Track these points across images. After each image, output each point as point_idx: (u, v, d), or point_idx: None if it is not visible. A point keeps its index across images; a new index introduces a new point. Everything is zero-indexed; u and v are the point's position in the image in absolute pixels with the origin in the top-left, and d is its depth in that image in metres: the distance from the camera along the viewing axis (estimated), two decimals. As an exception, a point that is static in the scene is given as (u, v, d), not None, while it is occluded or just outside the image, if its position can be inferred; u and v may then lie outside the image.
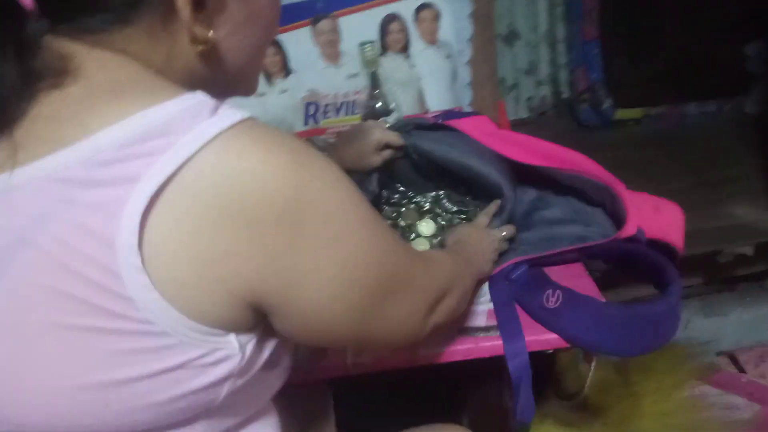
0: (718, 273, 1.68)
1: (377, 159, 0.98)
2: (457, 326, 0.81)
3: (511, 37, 2.36)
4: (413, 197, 1.03)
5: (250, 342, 0.48)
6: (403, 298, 0.54)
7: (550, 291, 0.80)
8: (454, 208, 1.01)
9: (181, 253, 0.41)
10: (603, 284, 0.88)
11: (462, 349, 0.79)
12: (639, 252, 0.87)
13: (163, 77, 0.47)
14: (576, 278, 0.88)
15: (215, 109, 0.44)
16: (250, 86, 0.60)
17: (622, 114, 2.34)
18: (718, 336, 1.61)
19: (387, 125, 1.00)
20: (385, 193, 1.04)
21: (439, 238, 0.96)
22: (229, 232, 0.42)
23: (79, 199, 0.40)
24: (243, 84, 0.58)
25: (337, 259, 0.46)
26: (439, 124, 1.01)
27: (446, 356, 0.79)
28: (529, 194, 1.02)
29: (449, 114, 1.15)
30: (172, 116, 0.42)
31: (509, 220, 0.94)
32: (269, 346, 0.51)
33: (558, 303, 0.79)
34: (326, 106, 1.31)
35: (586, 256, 0.93)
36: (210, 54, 0.50)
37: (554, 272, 0.89)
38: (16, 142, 0.42)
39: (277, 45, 1.26)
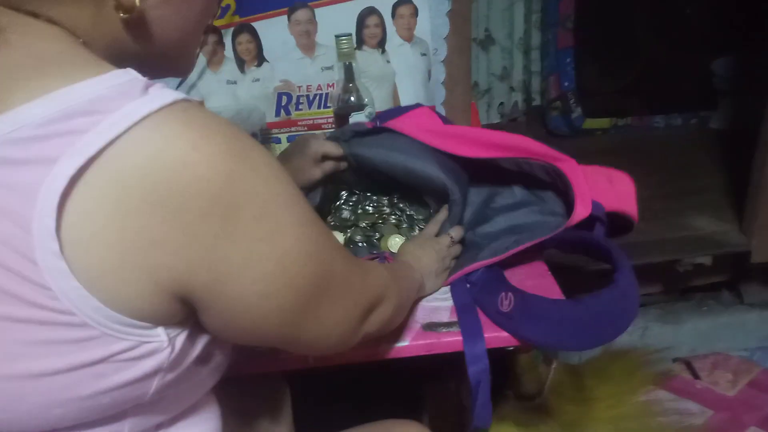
0: (676, 282, 1.73)
1: (317, 172, 0.94)
2: (419, 321, 0.81)
3: (486, 42, 2.38)
4: (371, 198, 1.02)
5: (179, 335, 0.46)
6: (336, 302, 0.52)
7: (503, 294, 0.80)
8: (412, 213, 1.00)
9: (102, 239, 0.39)
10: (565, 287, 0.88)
11: (424, 344, 0.78)
12: (588, 240, 0.86)
13: (91, 50, 0.45)
14: (537, 278, 0.88)
15: (146, 89, 0.41)
16: (184, 66, 0.57)
17: (590, 123, 2.39)
18: (674, 343, 1.64)
19: (325, 136, 0.98)
20: (343, 194, 1.03)
21: None
22: (155, 219, 0.39)
23: None
24: (175, 62, 0.55)
25: (271, 256, 0.44)
26: (379, 128, 0.97)
27: (408, 351, 0.78)
28: (482, 188, 1.00)
29: (389, 113, 1.13)
30: (98, 94, 0.39)
31: (460, 221, 0.93)
32: (202, 341, 0.49)
33: (511, 306, 0.78)
34: (299, 97, 1.30)
35: (546, 247, 0.93)
36: (137, 24, 0.48)
37: (516, 272, 0.89)
38: None
39: (252, 33, 1.25)
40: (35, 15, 0.43)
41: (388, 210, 1.01)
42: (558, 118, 2.37)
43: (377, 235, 0.97)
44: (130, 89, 0.40)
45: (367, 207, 1.01)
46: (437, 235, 0.90)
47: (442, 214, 0.91)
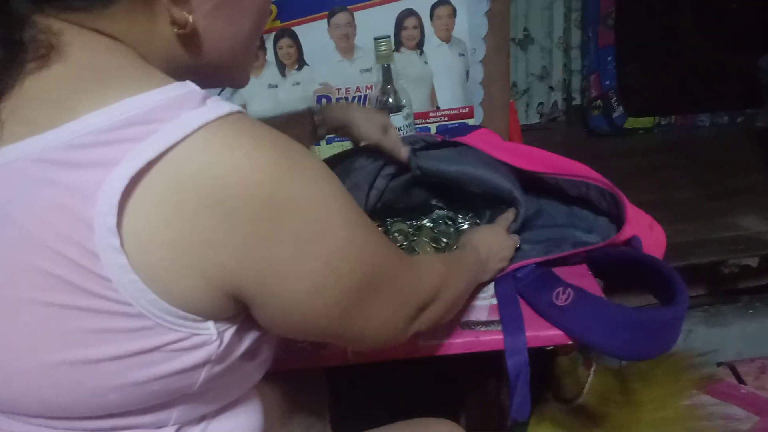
0: (721, 284, 1.68)
1: (378, 134, 0.94)
2: (459, 319, 0.81)
3: (525, 42, 2.36)
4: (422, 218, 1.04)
5: (228, 330, 0.48)
6: (386, 300, 0.54)
7: (560, 289, 0.81)
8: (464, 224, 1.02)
9: (158, 238, 0.41)
10: (606, 290, 0.88)
11: (462, 342, 0.79)
12: (646, 260, 0.87)
13: (149, 62, 0.47)
14: (580, 278, 0.88)
15: (203, 101, 0.43)
16: (238, 77, 0.59)
17: (633, 122, 2.34)
18: (719, 346, 1.60)
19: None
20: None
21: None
22: (209, 221, 0.42)
23: (58, 180, 0.41)
24: (229, 74, 0.57)
25: (320, 256, 0.46)
26: (445, 141, 1.01)
27: (446, 348, 0.79)
28: (530, 202, 1.02)
29: (454, 132, 1.17)
30: (157, 104, 0.42)
31: (523, 225, 0.95)
32: (249, 337, 0.51)
33: (568, 301, 0.79)
34: (338, 99, 1.32)
35: (590, 261, 0.94)
36: (190, 39, 0.50)
37: (559, 272, 0.89)
38: (2, 121, 0.43)
39: (293, 37, 1.27)
40: (97, 31, 0.46)
41: (425, 220, 1.03)
42: (599, 117, 2.34)
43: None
44: (188, 100, 0.43)
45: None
46: None
47: (511, 213, 0.93)
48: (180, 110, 0.42)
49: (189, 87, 0.44)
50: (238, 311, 0.48)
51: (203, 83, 0.46)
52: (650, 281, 0.86)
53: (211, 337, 0.46)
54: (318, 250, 0.46)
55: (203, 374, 0.47)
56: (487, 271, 0.85)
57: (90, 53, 0.45)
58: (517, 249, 0.93)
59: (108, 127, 0.41)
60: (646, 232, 0.93)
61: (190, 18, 0.48)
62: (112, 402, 0.45)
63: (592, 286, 0.87)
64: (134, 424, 0.48)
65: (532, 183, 0.99)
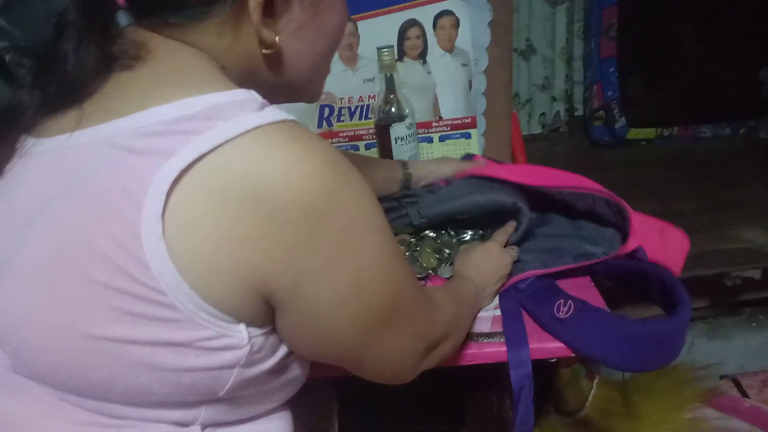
0: (724, 296, 1.68)
1: (450, 169, 1.02)
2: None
3: (527, 52, 2.37)
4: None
5: (259, 336, 0.49)
6: (404, 330, 0.54)
7: (561, 301, 0.80)
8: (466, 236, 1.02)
9: (200, 228, 0.43)
10: (608, 303, 0.88)
11: (465, 354, 0.78)
12: (648, 270, 0.86)
13: (227, 74, 0.50)
14: (583, 290, 0.88)
15: (262, 107, 0.46)
16: (314, 94, 0.62)
17: (635, 133, 2.35)
18: (722, 359, 1.59)
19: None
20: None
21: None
22: (250, 217, 0.43)
23: (121, 162, 0.43)
24: (306, 91, 0.60)
25: (350, 268, 0.47)
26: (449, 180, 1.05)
27: (449, 360, 0.78)
28: (532, 211, 1.02)
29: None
30: (219, 104, 0.44)
31: (525, 236, 0.95)
32: (281, 351, 0.52)
33: (569, 313, 0.79)
34: (341, 109, 1.32)
35: (593, 273, 0.93)
36: (274, 58, 0.53)
37: (561, 284, 0.88)
38: (84, 112, 0.47)
39: (295, 46, 1.27)
40: (185, 42, 0.50)
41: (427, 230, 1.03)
42: (601, 128, 2.34)
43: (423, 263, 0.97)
44: (248, 104, 0.46)
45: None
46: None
47: (510, 226, 0.94)
48: (239, 111, 0.44)
49: (252, 94, 0.47)
50: (269, 318, 0.49)
51: (276, 99, 0.50)
52: (653, 291, 0.86)
53: (242, 340, 0.47)
54: (349, 263, 0.47)
55: (232, 378, 0.48)
56: (486, 298, 0.84)
57: (172, 57, 0.49)
58: (517, 260, 0.92)
59: (172, 119, 0.44)
60: (656, 239, 0.92)
61: (277, 39, 0.52)
62: (143, 385, 0.46)
63: (595, 298, 0.86)
64: (162, 418, 0.49)
65: (538, 199, 0.99)
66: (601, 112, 2.32)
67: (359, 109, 1.32)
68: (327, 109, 1.32)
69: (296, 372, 0.56)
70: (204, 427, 0.51)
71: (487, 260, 0.86)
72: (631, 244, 0.88)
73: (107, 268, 0.43)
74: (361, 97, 1.31)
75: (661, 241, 0.93)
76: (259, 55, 0.52)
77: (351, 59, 1.28)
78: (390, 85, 1.09)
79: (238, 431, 0.54)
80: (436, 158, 1.08)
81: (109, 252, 0.43)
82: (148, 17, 0.50)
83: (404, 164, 1.03)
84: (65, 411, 0.48)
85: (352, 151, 1.29)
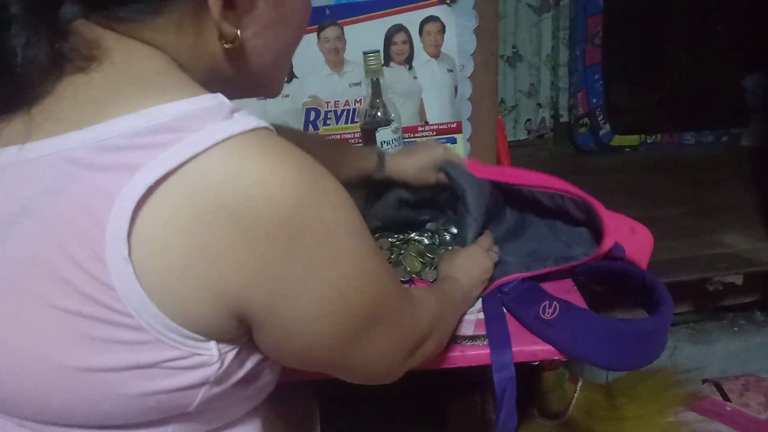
0: (706, 301, 1.69)
1: (432, 176, 1.00)
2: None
3: (513, 59, 2.39)
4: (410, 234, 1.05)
5: (230, 352, 0.47)
6: (387, 333, 0.53)
7: (547, 302, 0.81)
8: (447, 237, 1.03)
9: (170, 247, 0.41)
10: (591, 306, 0.89)
11: (448, 357, 0.78)
12: (628, 271, 0.87)
13: (188, 72, 0.48)
14: (566, 293, 0.88)
15: (231, 113, 0.44)
16: (275, 88, 0.60)
17: (619, 140, 2.37)
18: (704, 363, 1.61)
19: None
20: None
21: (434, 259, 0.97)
22: (225, 233, 0.41)
23: (81, 179, 0.41)
24: (266, 86, 0.58)
25: (330, 279, 0.46)
26: None
27: (432, 363, 0.79)
28: (515, 211, 1.03)
29: None
30: (186, 113, 0.42)
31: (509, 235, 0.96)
32: (251, 361, 0.50)
33: (555, 314, 0.79)
34: (327, 113, 1.32)
35: (575, 275, 0.94)
36: (236, 53, 0.51)
37: (545, 287, 0.89)
38: (33, 118, 0.43)
39: (282, 50, 1.27)
40: (141, 40, 0.47)
41: (412, 233, 1.03)
42: (586, 134, 2.36)
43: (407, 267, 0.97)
44: (216, 112, 0.43)
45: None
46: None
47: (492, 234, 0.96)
48: (207, 121, 0.42)
49: (219, 99, 0.45)
50: (241, 333, 0.48)
51: (237, 94, 0.47)
52: (635, 291, 0.87)
53: (212, 358, 0.45)
54: (329, 273, 0.46)
55: (200, 395, 0.47)
56: (471, 299, 0.85)
57: (129, 60, 0.46)
58: (500, 262, 0.93)
59: (135, 132, 0.41)
60: (628, 237, 0.92)
61: (239, 33, 0.49)
62: (105, 412, 0.45)
63: (578, 301, 0.87)
64: None
65: (513, 198, 1.00)
66: (586, 118, 2.34)
67: (345, 113, 1.32)
68: (313, 113, 1.32)
69: (267, 378, 0.55)
70: None
71: (472, 263, 0.87)
72: (608, 243, 0.88)
73: (69, 293, 0.41)
74: (347, 101, 1.31)
75: (633, 238, 0.94)
76: (221, 51, 0.50)
77: (337, 64, 1.29)
78: (376, 89, 1.09)
79: None
80: (419, 146, 1.04)
81: (71, 276, 0.41)
82: (99, 10, 0.46)
83: (381, 154, 1.00)
84: None
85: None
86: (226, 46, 0.49)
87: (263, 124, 0.45)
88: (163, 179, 0.40)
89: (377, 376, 0.57)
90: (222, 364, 0.46)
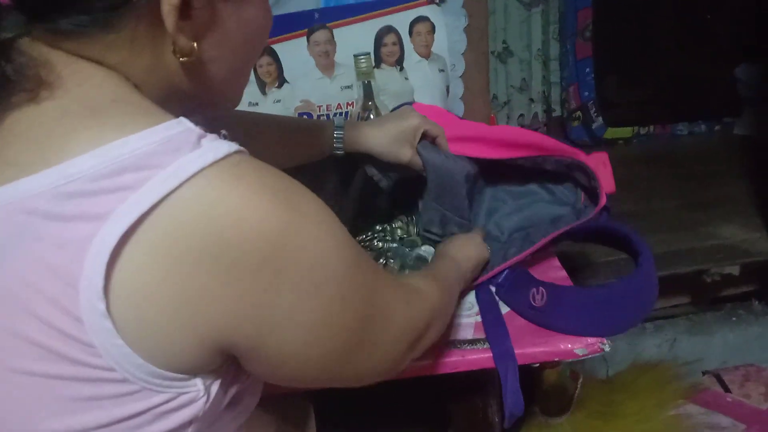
0: (704, 293, 1.70)
1: (407, 152, 0.88)
2: (445, 339, 0.81)
3: (504, 55, 2.38)
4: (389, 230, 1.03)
5: (214, 383, 0.46)
6: (382, 340, 0.53)
7: (534, 289, 0.81)
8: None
9: (152, 296, 0.39)
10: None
11: (449, 362, 0.78)
12: (605, 228, 0.88)
13: (144, 93, 0.45)
14: (552, 271, 0.90)
15: (198, 141, 0.41)
16: (233, 101, 0.58)
17: (612, 133, 2.37)
18: (703, 355, 1.61)
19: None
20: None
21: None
22: (206, 274, 0.39)
23: (44, 234, 0.38)
24: (225, 98, 0.56)
25: (317, 306, 0.44)
26: None
27: (432, 368, 0.78)
28: (489, 190, 1.02)
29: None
30: (151, 148, 0.39)
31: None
32: (234, 387, 0.49)
33: (544, 300, 0.79)
34: (319, 116, 1.32)
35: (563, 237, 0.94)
36: (193, 66, 0.48)
37: (533, 270, 0.90)
38: None
39: (272, 55, 1.26)
40: (93, 60, 0.44)
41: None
42: (579, 128, 2.36)
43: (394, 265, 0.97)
44: (183, 143, 0.40)
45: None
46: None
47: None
48: (176, 154, 0.39)
49: (184, 125, 0.42)
50: (224, 363, 0.46)
51: (197, 108, 0.45)
52: (617, 245, 0.88)
53: (198, 393, 0.44)
54: (316, 300, 0.44)
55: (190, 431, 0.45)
56: (467, 282, 0.83)
57: (82, 87, 0.43)
58: (493, 239, 0.94)
59: (98, 174, 0.38)
60: (604, 173, 0.92)
61: (195, 45, 0.46)
62: None
63: (564, 278, 0.89)
64: None
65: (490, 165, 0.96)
66: (579, 112, 2.34)
67: (337, 116, 1.32)
68: (305, 117, 1.31)
69: (248, 400, 0.54)
70: None
71: (470, 245, 0.86)
72: (603, 201, 0.89)
73: (46, 358, 0.39)
74: (339, 104, 1.31)
75: (606, 171, 0.94)
76: (177, 66, 0.47)
77: (328, 67, 1.28)
78: (368, 92, 1.09)
79: None
80: (391, 114, 0.94)
81: (44, 340, 0.38)
82: (41, 21, 0.42)
83: (338, 125, 0.89)
84: None
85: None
86: (182, 59, 0.46)
87: (234, 147, 0.42)
88: (136, 225, 0.38)
89: (379, 375, 0.56)
90: (208, 397, 0.45)
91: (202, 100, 0.51)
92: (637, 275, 0.79)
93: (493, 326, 0.80)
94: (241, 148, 0.43)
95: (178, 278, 0.39)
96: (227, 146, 0.41)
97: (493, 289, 0.88)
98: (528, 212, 0.97)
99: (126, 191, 0.38)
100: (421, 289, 0.63)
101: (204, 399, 0.44)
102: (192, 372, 0.43)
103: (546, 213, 0.96)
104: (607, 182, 0.92)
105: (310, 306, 0.44)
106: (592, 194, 0.93)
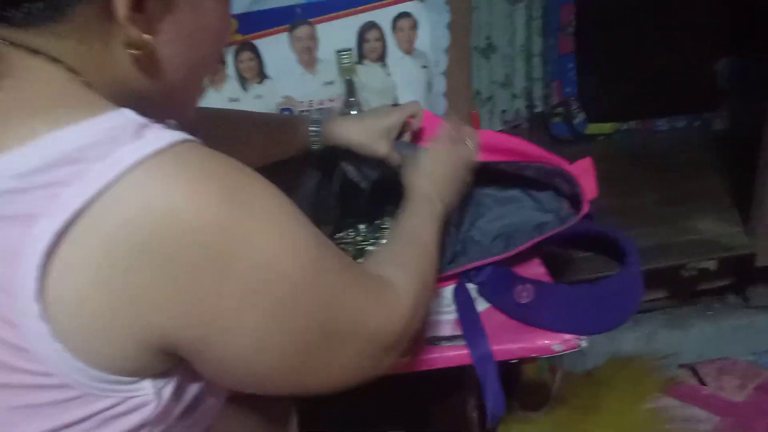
0: (682, 287, 1.72)
1: (383, 146, 0.86)
2: (423, 336, 0.81)
3: (487, 50, 2.38)
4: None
5: (166, 387, 0.44)
6: (347, 346, 0.49)
7: (520, 286, 0.82)
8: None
9: (88, 298, 0.37)
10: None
11: (427, 359, 0.79)
12: (589, 230, 0.89)
13: (94, 90, 0.43)
14: (535, 273, 0.91)
15: (140, 131, 0.39)
16: (186, 110, 0.54)
17: (593, 128, 2.39)
18: (680, 348, 1.64)
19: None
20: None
21: None
22: (143, 272, 0.37)
23: None
24: (179, 105, 0.52)
25: (266, 307, 0.41)
26: None
27: (411, 366, 0.79)
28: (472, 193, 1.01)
29: None
30: (87, 139, 0.37)
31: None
32: (192, 389, 0.47)
33: (530, 296, 0.80)
34: (301, 112, 1.31)
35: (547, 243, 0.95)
36: (146, 62, 0.45)
37: (515, 269, 0.90)
38: None
39: (254, 50, 1.26)
40: (36, 52, 0.41)
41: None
42: (561, 124, 2.37)
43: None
44: (122, 133, 0.38)
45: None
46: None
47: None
48: (113, 145, 0.37)
49: (125, 116, 0.40)
50: (175, 364, 0.44)
51: (149, 115, 0.42)
52: (600, 248, 0.89)
53: (148, 397, 0.42)
54: (264, 300, 0.41)
55: None
56: (452, 206, 0.78)
57: (26, 82, 0.40)
58: (475, 243, 0.93)
59: (29, 170, 0.36)
60: (587, 180, 0.93)
61: (150, 38, 0.44)
62: None
63: (544, 277, 0.90)
64: None
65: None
66: (561, 108, 2.35)
67: (320, 112, 1.31)
68: (285, 113, 1.31)
69: (211, 402, 0.51)
70: None
71: (440, 163, 0.78)
72: (586, 209, 0.89)
73: None
74: (321, 100, 1.30)
75: (588, 178, 0.95)
76: (129, 61, 0.44)
77: (310, 63, 1.28)
78: (350, 88, 1.09)
79: None
80: (374, 109, 0.94)
81: None
82: None
83: (315, 120, 0.89)
84: None
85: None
86: (133, 52, 0.44)
87: (180, 137, 0.40)
88: (70, 223, 0.36)
89: (355, 381, 0.52)
90: (159, 400, 0.43)
91: (155, 103, 0.48)
92: (627, 273, 0.79)
93: (470, 328, 0.81)
94: (190, 137, 0.41)
95: (115, 282, 0.37)
96: (171, 135, 0.39)
97: (473, 287, 0.89)
98: (512, 218, 0.97)
99: (58, 187, 0.36)
100: (397, 282, 0.58)
101: (154, 404, 0.42)
102: (139, 375, 0.41)
103: (530, 219, 0.96)
104: (590, 189, 0.93)
105: (257, 307, 0.41)
106: (574, 201, 0.93)
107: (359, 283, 0.51)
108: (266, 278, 0.41)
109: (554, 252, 0.96)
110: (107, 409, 0.41)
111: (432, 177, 0.76)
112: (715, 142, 2.25)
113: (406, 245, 0.67)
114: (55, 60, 0.42)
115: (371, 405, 0.91)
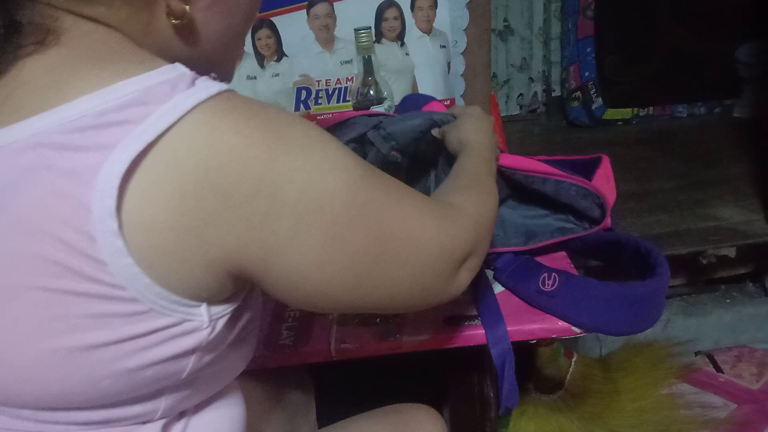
0: (700, 274, 1.71)
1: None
2: (442, 314, 0.81)
3: (505, 33, 2.36)
4: None
5: (221, 318, 0.48)
6: (408, 261, 0.51)
7: (545, 274, 0.81)
8: None
9: (159, 221, 0.41)
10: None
11: (445, 338, 0.79)
12: (621, 240, 0.87)
13: (143, 50, 0.48)
14: (561, 265, 0.89)
15: (193, 81, 0.44)
16: (227, 71, 0.59)
17: (611, 113, 2.36)
18: (697, 335, 1.62)
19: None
20: None
21: None
22: (208, 201, 0.42)
23: (55, 164, 0.41)
24: (219, 68, 0.57)
25: (319, 225, 0.45)
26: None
27: (429, 344, 0.79)
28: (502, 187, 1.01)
29: (406, 103, 1.14)
30: (151, 86, 0.43)
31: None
32: (240, 324, 0.51)
33: (555, 285, 0.79)
34: (318, 91, 1.31)
35: (567, 250, 0.94)
36: (186, 30, 0.51)
37: (539, 260, 0.90)
38: None
39: (272, 28, 1.25)
40: (95, 20, 0.47)
41: None
42: (578, 108, 2.35)
43: None
44: (180, 82, 0.43)
45: None
46: None
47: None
48: (174, 91, 0.43)
49: (180, 69, 0.45)
50: (236, 292, 0.48)
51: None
52: (628, 260, 0.87)
53: (203, 323, 0.46)
54: (317, 219, 0.45)
55: (192, 361, 0.47)
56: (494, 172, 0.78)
57: (86, 39, 0.46)
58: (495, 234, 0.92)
59: (104, 110, 0.41)
60: (608, 189, 0.93)
61: (187, 8, 0.49)
62: (105, 389, 0.45)
63: (573, 272, 0.88)
64: (124, 416, 0.48)
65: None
66: (578, 92, 2.33)
67: (337, 91, 1.31)
68: (304, 92, 1.30)
69: (250, 344, 0.56)
70: (166, 420, 0.50)
71: (480, 120, 0.81)
72: (607, 221, 0.89)
73: (61, 274, 0.41)
74: (338, 79, 1.30)
75: (608, 185, 0.94)
76: (171, 29, 0.50)
77: (328, 41, 1.27)
78: (368, 67, 1.08)
79: (196, 421, 0.53)
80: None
81: (60, 257, 0.41)
82: None
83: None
84: (19, 426, 0.46)
85: None
86: (174, 21, 0.49)
87: (225, 86, 0.45)
88: (143, 154, 0.40)
89: (420, 302, 0.55)
90: (213, 329, 0.47)
91: (195, 67, 0.51)
92: (656, 283, 0.78)
93: (488, 312, 0.80)
94: (231, 87, 0.46)
95: (181, 206, 0.42)
96: (218, 85, 0.44)
97: (489, 272, 0.88)
98: (535, 221, 0.97)
99: (131, 124, 0.41)
100: (456, 203, 0.61)
101: (208, 330, 0.46)
102: (200, 298, 0.45)
103: (553, 223, 0.96)
104: (610, 195, 0.92)
105: (311, 226, 0.45)
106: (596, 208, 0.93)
107: (413, 202, 0.53)
108: (316, 198, 0.45)
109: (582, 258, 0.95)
110: (167, 327, 0.44)
111: (477, 133, 0.79)
112: (735, 129, 2.22)
113: (464, 179, 0.69)
114: (111, 27, 0.47)
115: (389, 383, 0.91)
